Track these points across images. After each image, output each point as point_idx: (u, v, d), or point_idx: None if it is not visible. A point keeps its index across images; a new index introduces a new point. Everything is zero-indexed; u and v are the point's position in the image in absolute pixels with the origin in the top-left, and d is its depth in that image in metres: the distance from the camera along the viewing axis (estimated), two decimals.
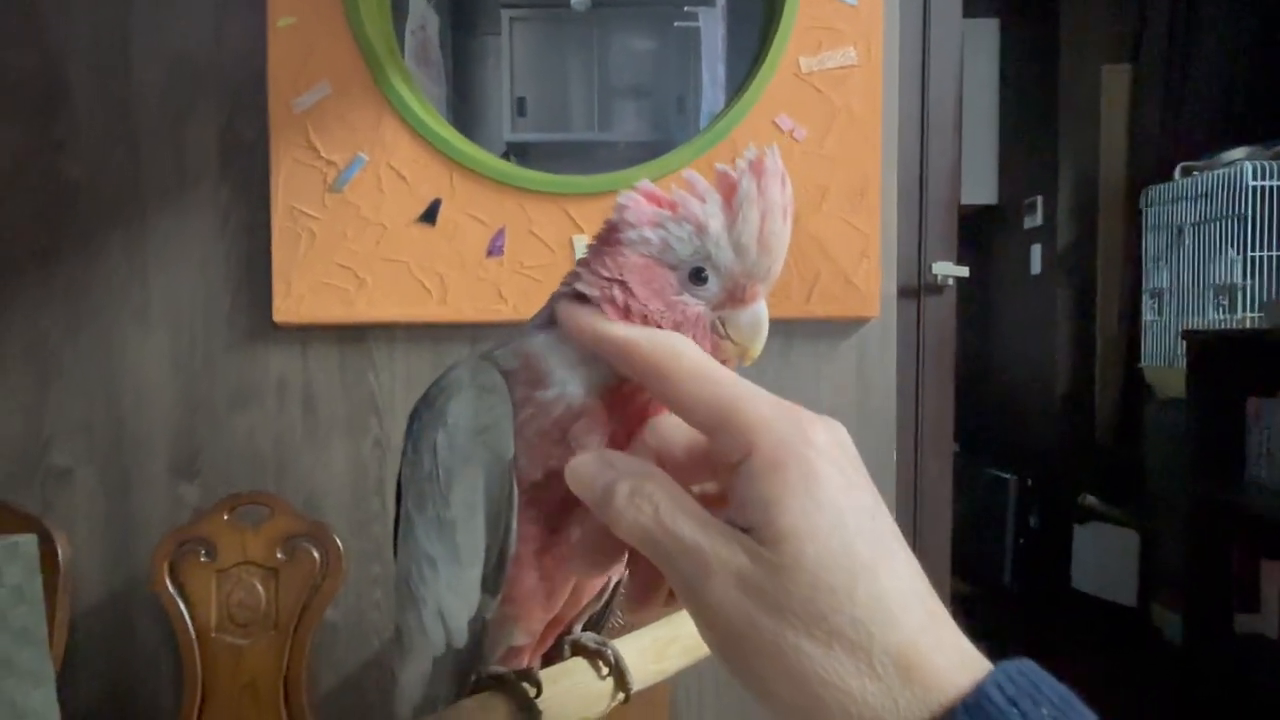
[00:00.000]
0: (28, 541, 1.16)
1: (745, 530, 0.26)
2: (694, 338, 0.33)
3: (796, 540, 0.25)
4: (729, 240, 0.33)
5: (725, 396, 0.27)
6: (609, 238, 0.35)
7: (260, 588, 1.28)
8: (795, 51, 1.35)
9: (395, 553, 0.40)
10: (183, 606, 1.25)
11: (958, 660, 0.25)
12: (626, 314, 0.33)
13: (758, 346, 0.34)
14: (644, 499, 0.27)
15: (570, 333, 0.32)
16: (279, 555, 1.28)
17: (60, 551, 1.27)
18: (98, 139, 1.36)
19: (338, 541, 1.29)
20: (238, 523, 1.29)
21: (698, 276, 0.33)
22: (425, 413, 0.37)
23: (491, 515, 0.35)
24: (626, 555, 0.32)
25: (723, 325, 0.34)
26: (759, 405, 0.27)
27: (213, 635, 1.26)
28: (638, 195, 0.34)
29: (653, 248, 0.33)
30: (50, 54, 1.35)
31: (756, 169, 0.33)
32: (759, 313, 0.34)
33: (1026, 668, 0.24)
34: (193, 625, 1.25)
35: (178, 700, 1.26)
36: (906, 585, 0.25)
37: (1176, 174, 2.54)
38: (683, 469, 0.31)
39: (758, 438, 0.26)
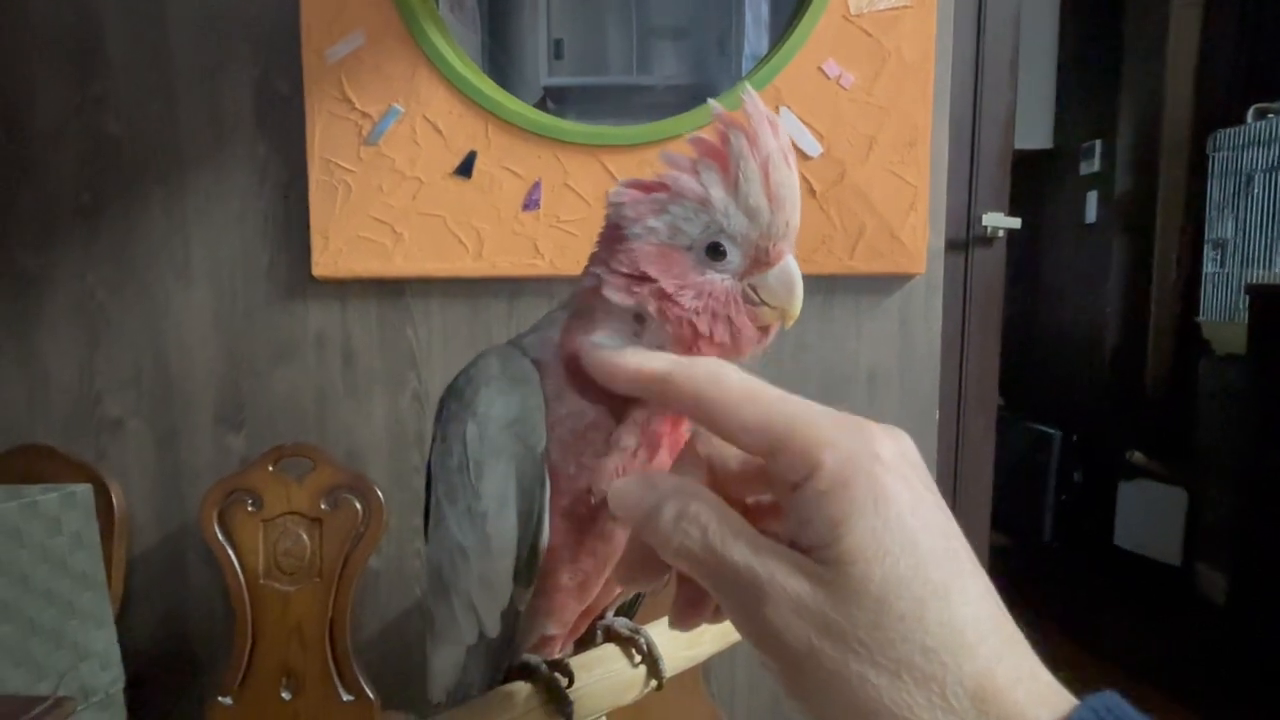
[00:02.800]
0: (84, 490, 1.21)
1: (805, 552, 0.24)
2: (728, 313, 0.32)
3: (864, 563, 0.23)
4: (737, 206, 0.31)
5: (779, 416, 0.25)
6: (615, 236, 0.33)
7: (305, 537, 1.31)
8: None
9: (426, 538, 0.39)
10: (232, 554, 1.29)
11: (1038, 694, 0.23)
12: (661, 310, 0.31)
13: (796, 305, 0.32)
14: (690, 522, 0.26)
15: (604, 381, 0.30)
16: (323, 506, 1.31)
17: (115, 499, 1.32)
18: (135, 94, 1.36)
19: (379, 493, 1.32)
20: (282, 474, 1.31)
21: (715, 252, 0.32)
22: (453, 403, 0.36)
23: (523, 508, 0.34)
24: (670, 572, 0.30)
25: (755, 292, 0.32)
26: (819, 421, 0.25)
27: (260, 582, 1.30)
28: (627, 189, 0.33)
29: (661, 235, 0.32)
30: (86, 8, 1.34)
31: (739, 120, 0.31)
32: (789, 270, 0.32)
33: (1113, 704, 0.23)
34: (242, 572, 1.30)
35: (229, 641, 1.32)
36: (981, 610, 0.24)
37: (1249, 116, 2.40)
38: (736, 480, 0.29)
39: (822, 454, 0.24)
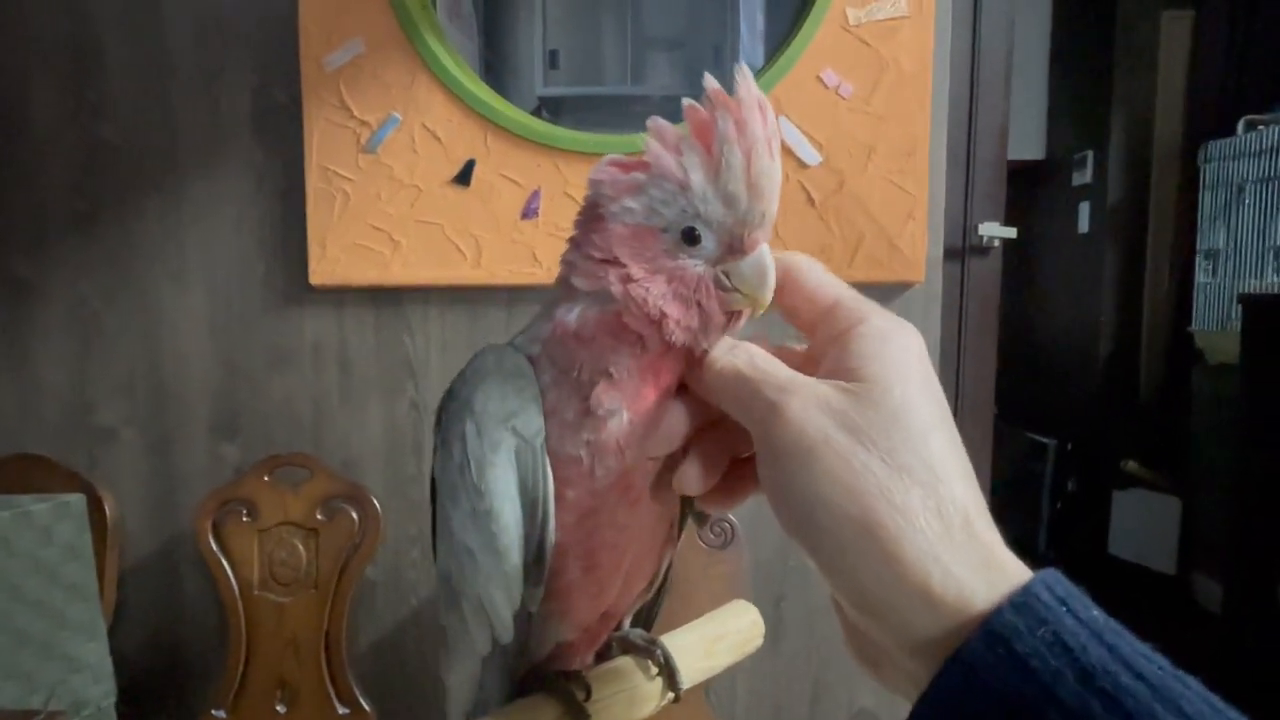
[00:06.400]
0: (77, 500, 1.19)
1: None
2: (699, 299, 0.32)
3: (887, 383, 0.27)
4: (715, 192, 0.31)
5: (844, 287, 0.32)
6: (592, 214, 0.33)
7: (301, 547, 1.30)
8: (842, 2, 1.29)
9: (435, 553, 0.38)
10: (226, 565, 1.28)
11: (1004, 549, 0.26)
12: (626, 293, 0.31)
13: (767, 295, 0.32)
14: (742, 350, 0.31)
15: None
16: (318, 516, 1.30)
17: (108, 509, 1.30)
18: (132, 102, 1.35)
19: (375, 502, 1.30)
20: (278, 484, 1.30)
21: (690, 237, 0.31)
22: (451, 404, 0.35)
23: (527, 502, 0.33)
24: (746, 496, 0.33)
25: (727, 278, 0.32)
26: (871, 301, 0.31)
27: (255, 593, 1.28)
28: (609, 166, 0.33)
29: (637, 215, 0.32)
30: (83, 16, 1.34)
31: (731, 102, 0.30)
32: (763, 259, 0.32)
33: (1056, 578, 0.26)
34: (236, 583, 1.28)
35: (223, 653, 1.30)
36: (972, 478, 0.27)
37: (1239, 127, 2.42)
38: (716, 431, 0.32)
39: (872, 313, 0.30)
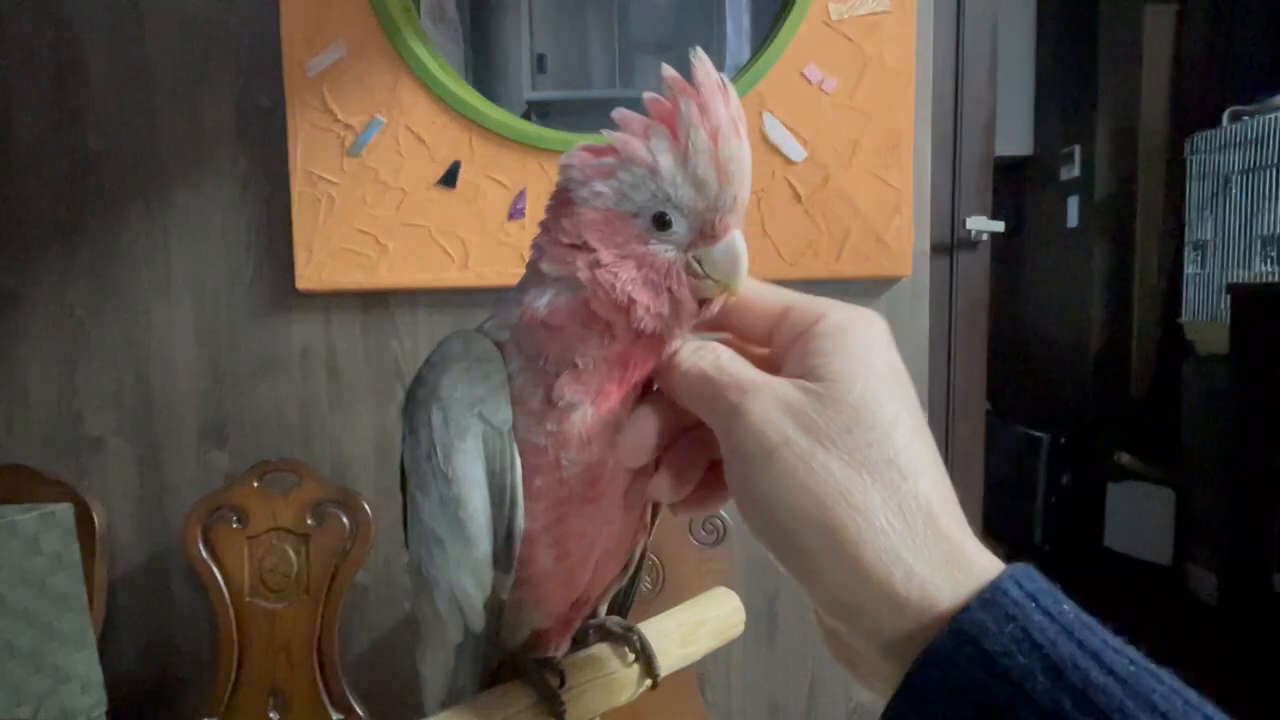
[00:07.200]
0: (64, 510, 1.18)
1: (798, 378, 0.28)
2: (669, 285, 0.31)
3: (848, 379, 0.27)
4: (685, 176, 0.30)
5: (791, 292, 0.31)
6: (562, 199, 0.33)
7: (291, 553, 1.29)
8: None
9: (406, 541, 0.38)
10: (216, 572, 1.27)
11: (974, 543, 0.26)
12: (594, 279, 0.31)
13: (740, 281, 0.32)
14: (708, 350, 0.31)
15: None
16: (309, 521, 1.29)
17: (96, 519, 1.29)
18: (115, 109, 1.35)
19: (366, 507, 1.30)
20: (268, 490, 1.30)
21: (661, 222, 0.31)
22: (419, 390, 0.35)
23: (495, 489, 0.33)
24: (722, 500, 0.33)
25: (699, 264, 0.32)
26: (824, 299, 0.30)
27: (246, 600, 1.28)
28: (580, 151, 0.33)
29: (608, 200, 0.31)
30: (64, 24, 1.33)
31: (690, 87, 0.30)
32: (735, 244, 0.32)
33: (1029, 573, 0.25)
34: (227, 590, 1.27)
35: (215, 661, 1.29)
36: (939, 468, 0.27)
37: (1224, 119, 2.43)
38: (691, 437, 0.32)
39: (829, 310, 0.29)
